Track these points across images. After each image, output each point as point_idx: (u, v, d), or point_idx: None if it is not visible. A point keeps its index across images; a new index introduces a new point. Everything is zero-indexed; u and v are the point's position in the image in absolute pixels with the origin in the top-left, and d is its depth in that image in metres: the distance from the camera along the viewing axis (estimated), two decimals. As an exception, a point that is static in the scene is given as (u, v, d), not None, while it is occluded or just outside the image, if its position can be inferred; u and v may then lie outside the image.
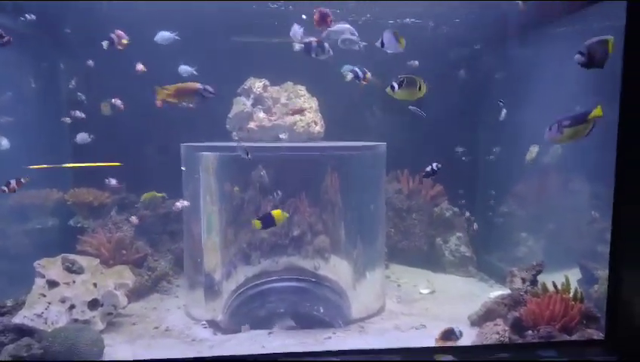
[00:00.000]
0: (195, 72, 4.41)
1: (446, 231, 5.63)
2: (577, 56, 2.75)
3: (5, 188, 3.53)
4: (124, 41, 3.96)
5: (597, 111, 2.85)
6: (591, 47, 2.71)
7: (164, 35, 4.19)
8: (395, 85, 3.13)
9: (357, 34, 3.74)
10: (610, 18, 3.66)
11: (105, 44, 3.99)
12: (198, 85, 3.34)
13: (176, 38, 4.22)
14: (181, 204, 4.26)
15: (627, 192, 3.00)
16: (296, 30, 3.75)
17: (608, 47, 2.69)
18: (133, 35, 4.23)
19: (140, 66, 4.28)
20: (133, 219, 4.95)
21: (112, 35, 3.97)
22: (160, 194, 5.39)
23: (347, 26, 3.72)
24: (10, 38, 3.27)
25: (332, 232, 4.43)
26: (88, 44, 5.02)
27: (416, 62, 4.76)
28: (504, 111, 4.71)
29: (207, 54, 4.72)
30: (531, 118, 4.74)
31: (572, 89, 4.32)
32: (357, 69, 3.89)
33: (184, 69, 4.42)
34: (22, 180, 3.58)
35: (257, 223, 3.60)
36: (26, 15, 4.33)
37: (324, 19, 3.53)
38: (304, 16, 3.88)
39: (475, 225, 5.45)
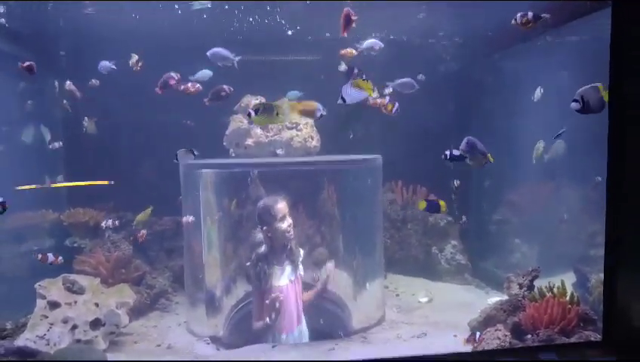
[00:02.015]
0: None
1: (441, 239, 5.71)
2: (573, 104, 2.94)
3: None
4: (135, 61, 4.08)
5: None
6: (584, 94, 2.88)
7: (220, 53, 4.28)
8: (252, 112, 3.23)
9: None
10: (597, 30, 3.80)
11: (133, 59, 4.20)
12: (318, 105, 3.56)
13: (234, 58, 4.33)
14: (187, 219, 4.27)
15: (621, 194, 3.11)
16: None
17: (600, 91, 2.86)
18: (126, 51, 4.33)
19: (172, 81, 4.31)
20: (143, 233, 4.95)
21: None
22: (148, 209, 5.23)
23: (377, 41, 4.21)
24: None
25: (331, 244, 4.49)
26: (83, 65, 5.12)
27: (423, 76, 4.90)
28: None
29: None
30: (523, 127, 4.88)
31: (563, 97, 4.47)
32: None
33: (206, 73, 4.50)
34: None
35: (423, 204, 3.80)
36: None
37: (348, 22, 3.71)
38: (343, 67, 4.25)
39: (464, 218, 5.51)
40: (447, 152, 3.70)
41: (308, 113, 3.64)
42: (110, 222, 4.80)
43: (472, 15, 4.95)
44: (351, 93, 3.19)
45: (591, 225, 4.80)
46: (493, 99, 5.51)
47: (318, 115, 3.53)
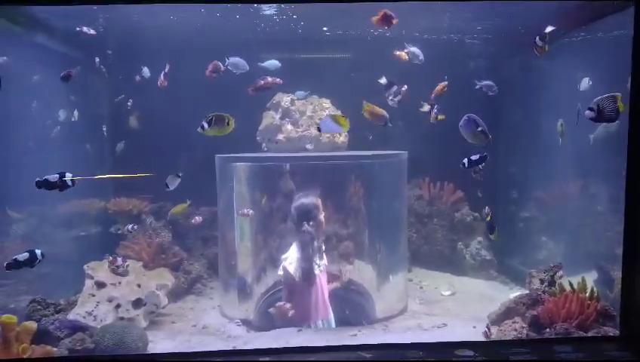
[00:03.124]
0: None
1: (467, 235, 5.81)
2: (588, 112, 3.05)
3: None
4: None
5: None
6: (600, 102, 2.99)
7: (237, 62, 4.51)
8: (205, 124, 3.39)
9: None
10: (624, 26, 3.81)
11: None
12: (384, 113, 4.00)
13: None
14: (247, 212, 4.49)
15: (639, 190, 3.17)
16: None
17: (617, 101, 2.94)
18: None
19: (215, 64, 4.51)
20: (197, 219, 5.40)
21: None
22: (186, 204, 5.57)
23: (417, 50, 4.41)
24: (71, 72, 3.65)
25: (356, 237, 4.68)
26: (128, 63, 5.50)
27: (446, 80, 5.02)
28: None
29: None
30: (549, 125, 4.90)
31: (586, 95, 4.48)
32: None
33: (274, 63, 4.68)
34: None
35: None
36: (84, 29, 4.70)
37: (388, 21, 3.87)
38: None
39: (487, 208, 5.54)
40: (465, 160, 3.89)
41: (376, 117, 4.02)
42: (130, 226, 5.14)
43: (500, 13, 5.01)
44: (328, 125, 3.55)
45: (619, 225, 4.77)
46: (521, 97, 5.54)
47: (383, 122, 3.90)
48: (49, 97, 5.19)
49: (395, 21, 3.86)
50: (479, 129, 3.45)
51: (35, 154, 4.82)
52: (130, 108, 5.79)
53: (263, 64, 4.63)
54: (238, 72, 4.31)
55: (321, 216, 4.17)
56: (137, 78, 5.29)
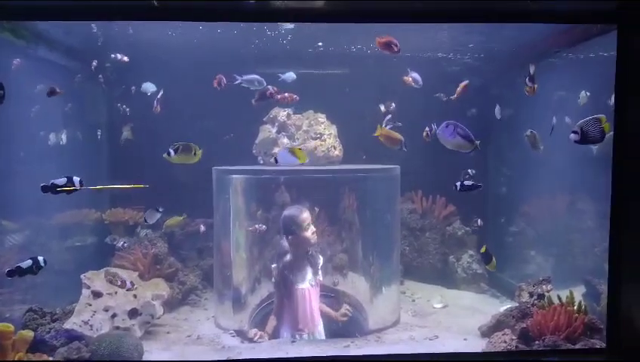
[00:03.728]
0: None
1: (458, 249, 5.90)
2: (572, 135, 3.15)
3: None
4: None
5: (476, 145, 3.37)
6: (584, 125, 3.10)
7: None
8: (172, 151, 3.52)
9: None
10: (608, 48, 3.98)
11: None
12: (400, 137, 4.23)
13: None
14: (259, 227, 4.56)
15: (624, 206, 3.29)
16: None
17: (601, 123, 3.07)
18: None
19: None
20: (202, 226, 5.56)
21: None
22: (182, 217, 5.68)
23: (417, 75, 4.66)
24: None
25: (350, 250, 4.76)
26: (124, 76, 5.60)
27: (443, 95, 5.20)
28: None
29: (235, 86, 5.18)
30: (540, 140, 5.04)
31: (576, 114, 4.63)
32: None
33: (290, 75, 4.92)
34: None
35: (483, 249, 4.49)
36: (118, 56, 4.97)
37: (389, 47, 4.01)
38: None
39: (480, 221, 5.69)
40: (458, 183, 4.02)
41: (391, 141, 4.27)
42: (122, 243, 5.21)
43: (490, 33, 5.19)
44: (285, 157, 3.75)
45: (606, 240, 4.89)
46: (511, 114, 5.68)
47: (399, 146, 4.16)
48: (46, 108, 5.25)
49: (396, 48, 4.00)
50: (458, 132, 3.45)
51: (29, 165, 4.85)
52: (129, 120, 5.87)
53: (282, 77, 4.83)
54: (254, 89, 4.42)
55: (306, 233, 4.21)
56: (133, 88, 5.40)
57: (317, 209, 4.49)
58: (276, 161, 3.79)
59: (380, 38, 4.01)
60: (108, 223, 5.73)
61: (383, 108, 4.74)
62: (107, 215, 5.73)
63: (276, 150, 5.01)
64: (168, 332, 4.42)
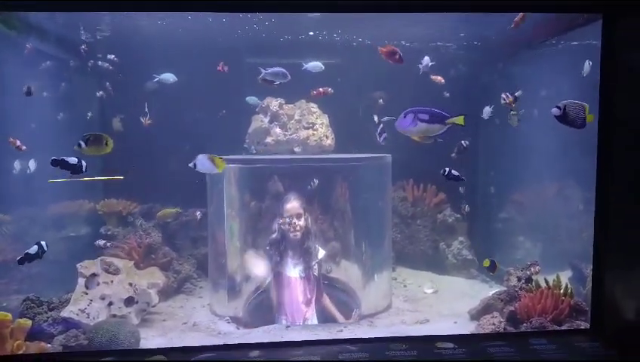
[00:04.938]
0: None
1: (449, 236, 6.00)
2: (554, 109, 3.21)
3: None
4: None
5: (459, 120, 3.16)
6: (568, 105, 3.18)
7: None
8: (82, 143, 3.47)
9: None
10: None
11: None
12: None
13: None
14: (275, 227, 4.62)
15: (607, 193, 3.39)
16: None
17: (584, 110, 3.14)
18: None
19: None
20: (198, 214, 5.59)
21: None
22: (175, 209, 5.74)
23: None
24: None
25: (342, 238, 4.84)
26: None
27: (441, 78, 5.27)
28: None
29: (226, 75, 5.20)
30: (529, 128, 5.12)
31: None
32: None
33: (317, 65, 4.94)
34: None
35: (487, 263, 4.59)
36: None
37: (392, 56, 4.10)
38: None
39: (467, 207, 5.80)
40: (447, 169, 4.14)
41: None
42: (102, 243, 5.23)
43: (478, 22, 5.24)
44: (203, 163, 3.75)
45: (592, 225, 5.01)
46: (500, 102, 5.75)
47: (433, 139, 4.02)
48: (37, 99, 5.25)
49: (397, 57, 4.06)
50: (420, 117, 3.18)
51: (23, 155, 4.86)
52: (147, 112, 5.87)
53: (306, 66, 4.85)
54: (279, 82, 4.41)
55: (300, 221, 4.42)
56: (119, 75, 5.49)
57: (307, 198, 4.58)
58: (194, 167, 3.78)
59: (382, 47, 4.10)
60: (102, 214, 5.75)
61: (381, 101, 4.81)
62: (101, 205, 5.76)
63: (269, 139, 5.06)
64: (164, 320, 4.49)
